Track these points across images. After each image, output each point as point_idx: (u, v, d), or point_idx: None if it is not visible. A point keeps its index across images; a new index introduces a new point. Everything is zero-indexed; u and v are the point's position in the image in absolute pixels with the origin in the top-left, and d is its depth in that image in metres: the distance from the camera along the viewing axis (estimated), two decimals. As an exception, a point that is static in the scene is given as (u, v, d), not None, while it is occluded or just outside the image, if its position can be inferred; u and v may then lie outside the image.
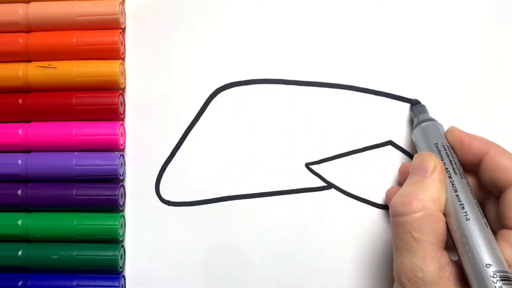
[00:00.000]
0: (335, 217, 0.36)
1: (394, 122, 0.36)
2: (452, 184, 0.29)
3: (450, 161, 0.30)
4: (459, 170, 0.30)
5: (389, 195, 0.35)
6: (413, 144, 0.36)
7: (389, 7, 0.37)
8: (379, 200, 0.36)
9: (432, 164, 0.29)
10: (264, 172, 0.37)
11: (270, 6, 0.37)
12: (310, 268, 0.36)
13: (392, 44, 0.37)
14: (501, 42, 0.37)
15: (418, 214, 0.27)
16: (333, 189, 0.36)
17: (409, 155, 0.36)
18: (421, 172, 0.29)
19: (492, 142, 0.31)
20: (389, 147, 0.36)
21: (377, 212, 0.36)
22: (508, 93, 0.36)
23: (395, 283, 0.28)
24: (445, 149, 0.31)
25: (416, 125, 0.34)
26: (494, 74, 0.36)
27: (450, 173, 0.30)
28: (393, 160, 0.36)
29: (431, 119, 0.34)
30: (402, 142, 0.36)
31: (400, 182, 0.35)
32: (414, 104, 0.36)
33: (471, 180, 0.31)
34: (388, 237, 0.36)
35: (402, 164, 0.35)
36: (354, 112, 0.37)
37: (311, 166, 0.37)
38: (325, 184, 0.36)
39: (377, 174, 0.36)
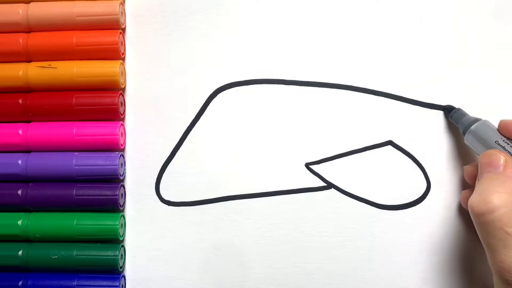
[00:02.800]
0: (335, 217, 0.36)
1: (394, 122, 0.36)
2: None
3: None
4: None
5: (466, 198, 0.34)
6: (413, 144, 0.36)
7: (389, 7, 0.37)
8: (379, 200, 0.36)
9: (503, 159, 0.30)
10: (264, 172, 0.37)
11: (270, 6, 0.37)
12: (310, 268, 0.36)
13: (392, 44, 0.37)
14: (501, 42, 0.37)
15: (504, 209, 0.27)
16: (333, 189, 0.36)
17: (409, 155, 0.36)
18: (493, 169, 0.30)
19: None
20: (389, 147, 0.36)
21: (377, 212, 0.36)
22: (508, 93, 0.36)
23: (496, 282, 0.28)
24: (508, 144, 0.31)
25: (466, 130, 0.33)
26: (494, 74, 0.36)
27: None
28: (393, 160, 0.36)
29: (477, 119, 0.33)
30: (402, 142, 0.36)
31: (469, 184, 0.34)
32: (450, 110, 0.36)
33: None
34: (388, 237, 0.36)
35: (465, 168, 0.35)
36: (354, 112, 0.37)
37: (311, 166, 0.37)
38: (325, 184, 0.36)
39: (377, 174, 0.36)
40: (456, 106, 0.36)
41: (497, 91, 0.36)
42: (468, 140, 0.34)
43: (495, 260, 0.28)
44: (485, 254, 0.29)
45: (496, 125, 0.33)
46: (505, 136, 0.32)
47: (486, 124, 0.33)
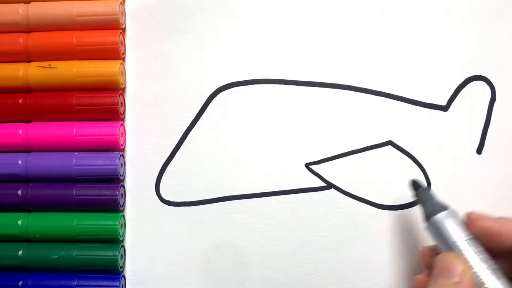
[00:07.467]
0: (335, 217, 0.36)
1: (394, 122, 0.36)
2: None
3: (480, 259, 0.28)
4: (491, 268, 0.27)
5: (419, 283, 0.31)
6: (413, 144, 0.36)
7: (389, 7, 0.37)
8: (379, 200, 0.36)
9: (460, 269, 0.27)
10: (264, 172, 0.37)
11: (271, 6, 0.37)
12: (310, 268, 0.36)
13: (392, 44, 0.37)
14: (501, 42, 0.37)
15: None
16: (333, 189, 0.36)
17: (409, 155, 0.36)
18: (448, 275, 0.27)
19: None
20: (389, 147, 0.36)
21: (377, 212, 0.36)
22: (509, 93, 0.36)
23: None
24: (470, 246, 0.28)
25: (429, 217, 0.31)
26: (494, 74, 0.36)
27: (481, 277, 0.27)
28: (393, 160, 0.36)
29: (443, 207, 0.31)
30: (402, 142, 0.36)
31: (423, 266, 0.32)
32: (417, 187, 0.33)
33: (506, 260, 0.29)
34: (388, 237, 0.36)
35: (421, 250, 0.32)
36: (354, 112, 0.37)
37: (311, 166, 0.37)
38: (325, 184, 0.36)
39: (377, 174, 0.36)
40: (424, 185, 0.33)
41: (497, 92, 0.36)
42: (429, 229, 0.31)
43: None
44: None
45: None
46: (471, 233, 0.29)
47: (452, 215, 0.30)
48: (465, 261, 0.28)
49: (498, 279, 0.27)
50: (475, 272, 0.27)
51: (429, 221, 0.31)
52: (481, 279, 0.27)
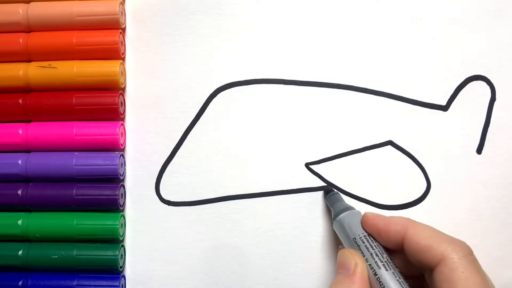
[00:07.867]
0: (335, 217, 0.36)
1: (394, 122, 0.36)
2: (380, 282, 0.28)
3: (371, 254, 0.30)
4: (382, 261, 0.29)
5: None
6: (413, 144, 0.36)
7: (389, 7, 0.37)
8: (379, 200, 0.36)
9: (353, 263, 0.29)
10: (264, 172, 0.37)
11: (270, 6, 0.37)
12: (310, 268, 0.36)
13: (392, 44, 0.37)
14: (501, 42, 0.37)
15: None
16: (333, 189, 0.36)
17: (409, 155, 0.36)
18: (344, 270, 0.29)
19: (408, 219, 0.30)
20: (389, 147, 0.36)
21: (377, 212, 0.36)
22: (509, 93, 0.36)
23: None
24: (363, 242, 0.31)
25: (335, 217, 0.33)
26: (494, 74, 0.36)
27: (374, 269, 0.29)
28: (393, 160, 0.36)
29: (346, 208, 0.33)
30: (402, 142, 0.36)
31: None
32: (328, 192, 0.36)
33: (403, 257, 0.30)
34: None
35: (340, 248, 0.33)
36: (354, 112, 0.37)
37: (311, 166, 0.37)
38: (325, 184, 0.36)
39: (377, 174, 0.36)
40: (334, 191, 0.36)
41: (497, 92, 0.36)
42: (335, 228, 0.33)
43: None
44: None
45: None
46: (366, 231, 0.31)
47: (352, 215, 0.32)
48: (359, 255, 0.30)
49: (387, 270, 0.29)
50: (369, 265, 0.29)
51: (335, 220, 0.33)
52: (373, 271, 0.29)
